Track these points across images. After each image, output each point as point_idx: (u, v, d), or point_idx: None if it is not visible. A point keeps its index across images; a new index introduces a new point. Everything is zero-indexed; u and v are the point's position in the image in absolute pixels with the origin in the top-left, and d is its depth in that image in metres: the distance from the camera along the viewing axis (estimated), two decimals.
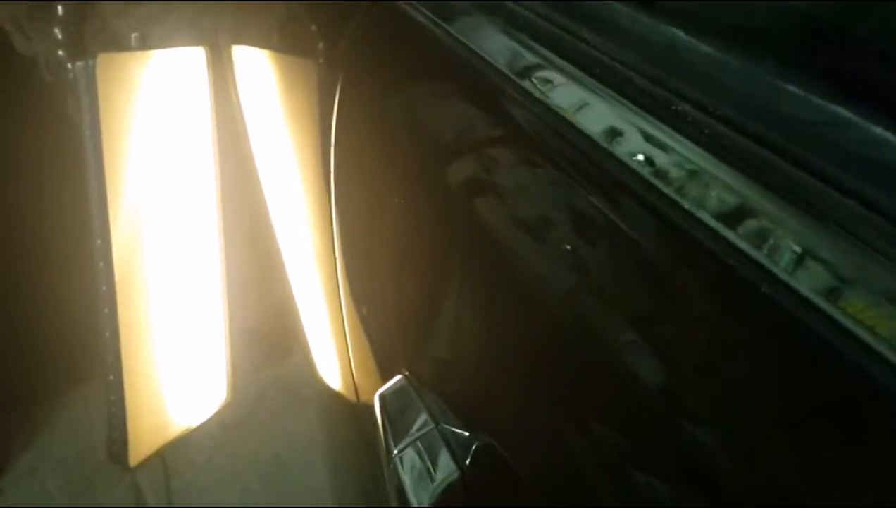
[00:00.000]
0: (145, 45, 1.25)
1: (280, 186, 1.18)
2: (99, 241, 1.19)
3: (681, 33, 0.43)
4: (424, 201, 0.59)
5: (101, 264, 1.20)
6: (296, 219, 1.12)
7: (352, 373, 0.77)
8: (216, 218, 1.38)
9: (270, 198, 1.22)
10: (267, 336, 2.17)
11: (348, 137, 0.70)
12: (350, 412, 1.00)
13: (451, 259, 0.58)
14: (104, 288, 1.21)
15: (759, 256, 0.34)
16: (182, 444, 1.62)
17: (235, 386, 1.48)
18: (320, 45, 1.06)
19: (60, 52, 1.24)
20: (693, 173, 0.38)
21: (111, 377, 1.25)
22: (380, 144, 0.65)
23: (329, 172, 0.78)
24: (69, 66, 1.25)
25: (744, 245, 0.34)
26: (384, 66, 0.68)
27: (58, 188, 1.55)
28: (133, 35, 1.24)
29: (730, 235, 0.35)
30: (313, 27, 1.08)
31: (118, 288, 1.23)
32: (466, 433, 0.53)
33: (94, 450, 2.14)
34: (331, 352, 1.00)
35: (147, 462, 1.31)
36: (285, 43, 1.12)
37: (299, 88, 1.08)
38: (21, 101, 1.56)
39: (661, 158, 0.39)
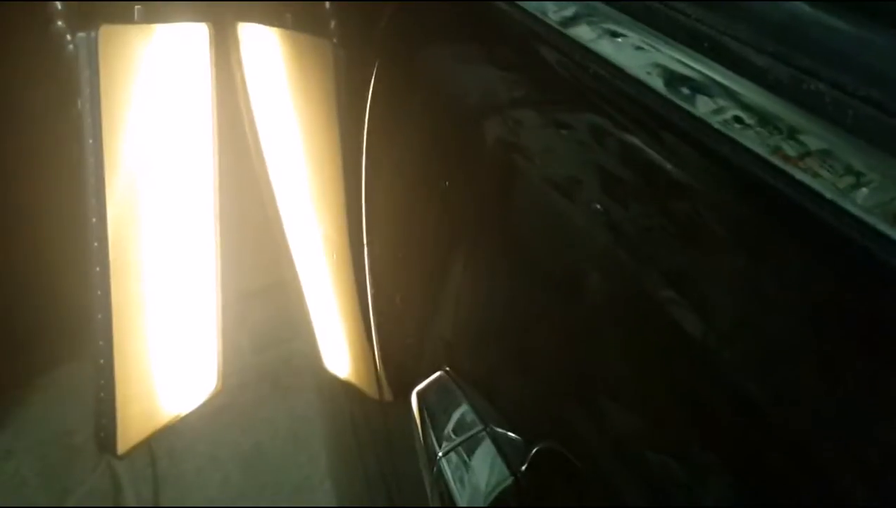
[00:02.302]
0: (148, 18, 1.21)
1: (286, 170, 1.14)
2: (94, 219, 1.15)
3: (804, 6, 0.41)
4: (475, 185, 0.56)
5: (96, 244, 1.16)
6: (303, 206, 1.09)
7: (376, 366, 0.74)
8: (213, 202, 1.34)
9: (274, 182, 1.18)
10: (260, 324, 2.14)
11: (385, 123, 0.67)
12: (360, 405, 0.97)
13: (499, 247, 0.55)
14: (98, 269, 1.17)
15: None
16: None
17: (226, 374, 1.44)
18: (333, 24, 1.03)
19: (60, 23, 1.20)
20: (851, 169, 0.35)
21: (101, 362, 1.21)
22: (423, 129, 0.62)
23: (353, 157, 0.75)
24: (68, 37, 1.21)
25: None
26: (430, 51, 0.64)
27: (50, 161, 1.51)
28: (136, 8, 1.19)
29: None
30: (327, 5, 1.05)
31: (111, 269, 1.19)
32: (519, 437, 0.50)
33: (69, 434, 2.09)
34: (343, 343, 0.97)
35: (135, 450, 1.27)
36: (297, 21, 1.08)
37: (312, 69, 1.04)
38: (32, 72, 1.51)
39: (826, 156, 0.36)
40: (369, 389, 0.86)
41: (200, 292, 1.37)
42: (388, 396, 0.75)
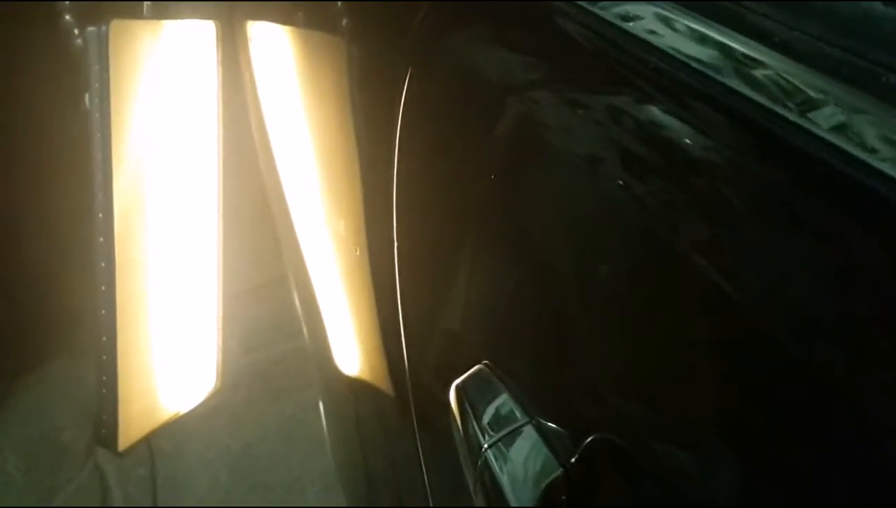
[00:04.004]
0: (157, 14, 1.20)
1: (296, 169, 1.14)
2: (101, 215, 1.15)
3: (877, 4, 0.41)
4: (522, 181, 0.57)
5: (102, 240, 1.16)
6: (314, 205, 1.09)
7: (404, 364, 0.74)
8: (217, 200, 1.34)
9: (283, 181, 1.18)
10: (252, 324, 2.13)
11: (425, 124, 0.67)
12: (372, 403, 0.97)
13: (544, 241, 0.56)
14: (103, 264, 1.17)
15: None
16: None
17: (226, 374, 1.44)
18: (345, 22, 1.03)
19: (68, 18, 1.19)
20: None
21: (104, 358, 1.20)
22: (468, 128, 0.62)
23: (381, 155, 0.76)
24: (76, 32, 1.20)
25: None
26: (476, 51, 0.65)
27: (57, 156, 1.50)
28: (145, 4, 1.19)
29: None
30: (339, 3, 1.05)
31: (116, 265, 1.18)
32: (565, 430, 0.51)
33: (57, 431, 2.07)
34: (358, 341, 0.97)
35: (135, 447, 1.27)
36: (308, 19, 1.08)
37: (324, 67, 1.04)
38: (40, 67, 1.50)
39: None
40: (387, 387, 0.86)
41: (203, 290, 1.37)
42: (414, 393, 0.75)
